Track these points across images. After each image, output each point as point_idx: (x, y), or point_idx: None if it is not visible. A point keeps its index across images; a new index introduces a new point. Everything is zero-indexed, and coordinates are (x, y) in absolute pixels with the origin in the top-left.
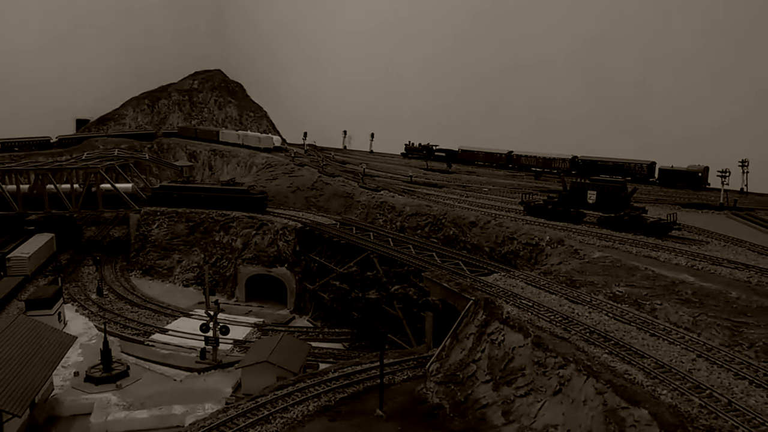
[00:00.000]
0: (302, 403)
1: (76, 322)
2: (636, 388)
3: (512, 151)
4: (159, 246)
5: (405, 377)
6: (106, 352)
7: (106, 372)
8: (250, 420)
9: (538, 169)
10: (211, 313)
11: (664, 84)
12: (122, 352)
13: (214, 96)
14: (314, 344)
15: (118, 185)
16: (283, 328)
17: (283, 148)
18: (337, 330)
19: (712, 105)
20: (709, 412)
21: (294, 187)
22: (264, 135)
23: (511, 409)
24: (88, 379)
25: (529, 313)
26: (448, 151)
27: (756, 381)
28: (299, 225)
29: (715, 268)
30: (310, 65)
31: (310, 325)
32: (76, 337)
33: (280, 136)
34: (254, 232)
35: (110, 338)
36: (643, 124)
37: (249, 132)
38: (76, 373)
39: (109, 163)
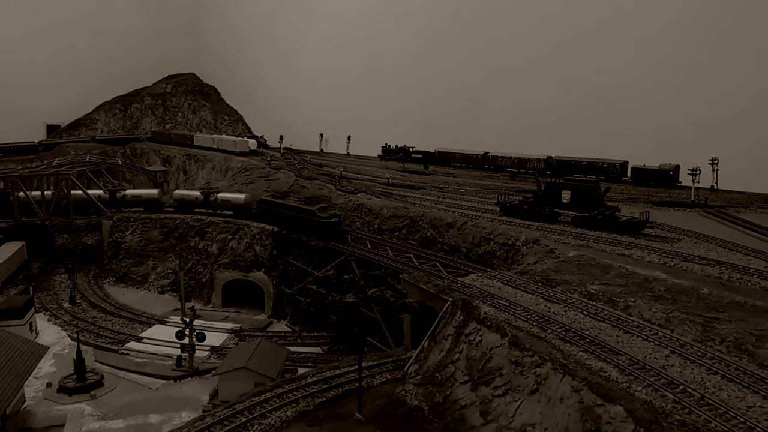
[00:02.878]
0: (280, 408)
1: (49, 332)
2: (611, 385)
3: (488, 152)
4: (133, 253)
5: (384, 380)
6: (79, 361)
7: (80, 382)
8: (228, 427)
9: (513, 170)
10: (187, 319)
11: (636, 85)
12: (96, 361)
13: (188, 100)
14: (292, 349)
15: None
16: (260, 334)
17: (260, 151)
18: (315, 334)
19: (683, 105)
20: (683, 407)
21: (271, 191)
22: (240, 138)
23: (489, 409)
24: (62, 389)
25: (506, 313)
26: (424, 153)
27: (728, 375)
28: (276, 229)
29: (687, 264)
30: (286, 68)
31: (289, 330)
32: (48, 347)
33: (257, 139)
34: (230, 236)
35: (84, 347)
36: (615, 124)
37: (224, 136)
38: (49, 384)
39: (80, 168)
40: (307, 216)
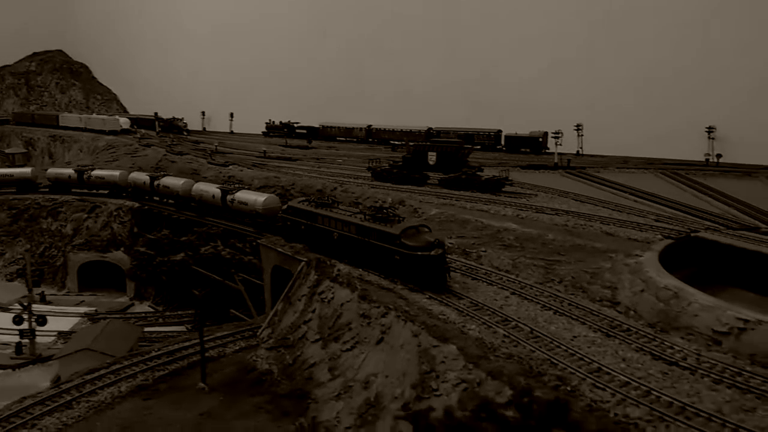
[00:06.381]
0: (114, 384)
1: None
2: (448, 326)
3: (371, 125)
4: None
5: (237, 348)
6: None
7: None
8: (49, 407)
9: (396, 142)
10: (25, 303)
11: (509, 58)
12: None
13: (55, 79)
14: (154, 329)
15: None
16: (118, 316)
17: (133, 130)
18: (180, 312)
19: (553, 76)
20: (512, 341)
21: (136, 167)
22: (109, 117)
23: (337, 364)
24: None
25: (360, 270)
26: (309, 128)
27: (560, 311)
28: (136, 205)
29: (538, 215)
30: (163, 44)
31: (151, 311)
32: None
33: (175, 122)
34: (86, 215)
35: None
36: (492, 95)
37: (93, 115)
38: None
39: None
40: (384, 243)
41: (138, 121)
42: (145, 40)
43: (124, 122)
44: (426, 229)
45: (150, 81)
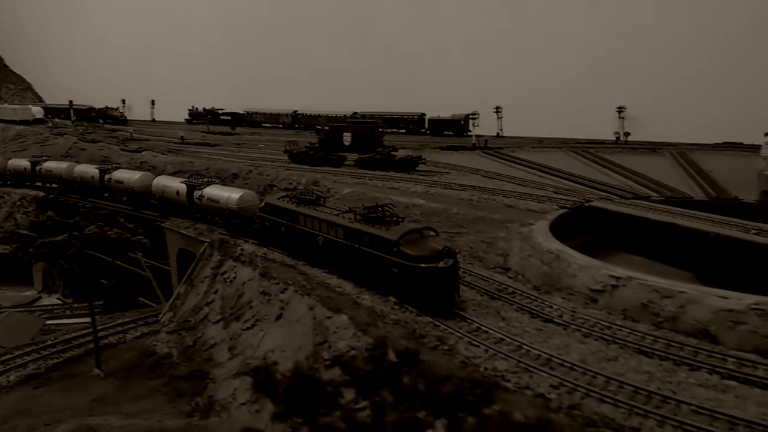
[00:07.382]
0: (1, 375)
1: None
2: (342, 298)
3: (297, 111)
4: None
5: (138, 334)
6: None
7: None
8: None
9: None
10: None
11: (432, 44)
12: None
13: None
14: (62, 321)
15: None
16: (22, 309)
17: (46, 119)
18: (93, 304)
19: (474, 61)
20: (401, 308)
21: (44, 157)
22: (21, 106)
23: (237, 343)
24: None
25: (264, 249)
26: (233, 114)
27: None
28: (41, 194)
29: (446, 191)
30: (80, 31)
31: (60, 303)
32: None
33: (110, 111)
34: None
35: None
36: (416, 80)
37: (4, 105)
38: None
39: None
40: (379, 251)
41: (54, 110)
42: (60, 27)
43: (36, 111)
44: (432, 233)
45: (67, 69)
